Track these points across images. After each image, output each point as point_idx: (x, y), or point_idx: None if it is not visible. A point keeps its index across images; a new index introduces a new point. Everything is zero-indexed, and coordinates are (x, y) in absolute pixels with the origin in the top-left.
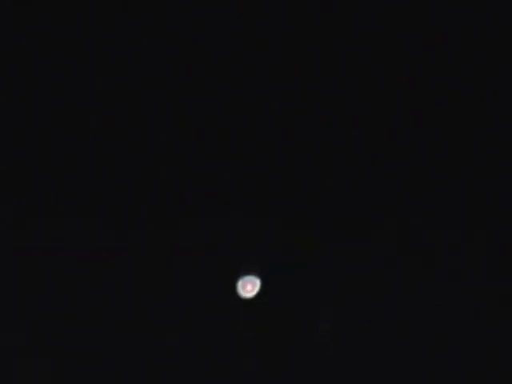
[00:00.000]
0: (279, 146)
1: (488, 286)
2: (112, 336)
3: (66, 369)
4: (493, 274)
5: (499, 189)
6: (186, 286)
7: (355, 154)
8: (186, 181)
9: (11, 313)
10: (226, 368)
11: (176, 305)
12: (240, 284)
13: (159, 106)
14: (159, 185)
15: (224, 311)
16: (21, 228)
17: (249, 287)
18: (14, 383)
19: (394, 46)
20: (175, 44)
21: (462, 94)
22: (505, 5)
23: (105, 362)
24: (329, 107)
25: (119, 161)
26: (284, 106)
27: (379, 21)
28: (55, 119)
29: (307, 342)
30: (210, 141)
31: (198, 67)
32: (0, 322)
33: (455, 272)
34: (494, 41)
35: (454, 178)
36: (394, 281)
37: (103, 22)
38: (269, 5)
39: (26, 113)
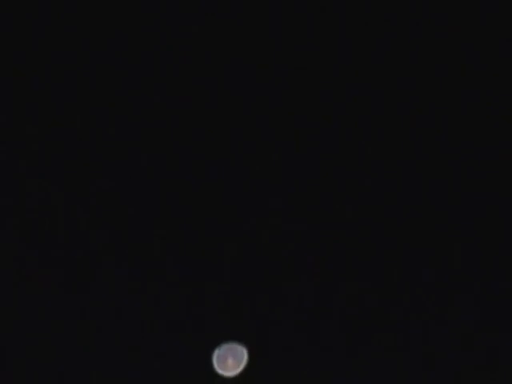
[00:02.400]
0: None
1: (487, 289)
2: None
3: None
4: (493, 275)
5: (499, 189)
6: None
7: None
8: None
9: (11, 313)
10: None
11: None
12: (217, 357)
13: (159, 108)
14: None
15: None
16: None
17: (230, 362)
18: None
19: (394, 46)
20: (175, 44)
21: (461, 93)
22: (505, 5)
23: None
24: (328, 106)
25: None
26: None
27: (379, 21)
28: (55, 119)
29: None
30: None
31: (197, 67)
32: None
33: (455, 272)
34: (494, 40)
35: (454, 177)
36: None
37: (103, 22)
38: (269, 5)
39: (25, 112)
